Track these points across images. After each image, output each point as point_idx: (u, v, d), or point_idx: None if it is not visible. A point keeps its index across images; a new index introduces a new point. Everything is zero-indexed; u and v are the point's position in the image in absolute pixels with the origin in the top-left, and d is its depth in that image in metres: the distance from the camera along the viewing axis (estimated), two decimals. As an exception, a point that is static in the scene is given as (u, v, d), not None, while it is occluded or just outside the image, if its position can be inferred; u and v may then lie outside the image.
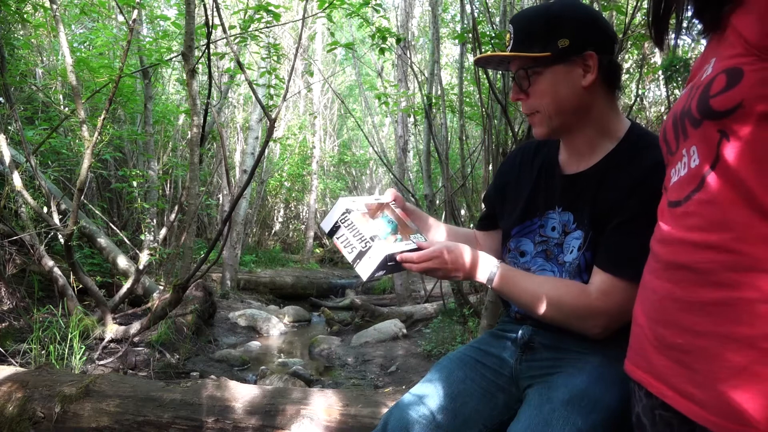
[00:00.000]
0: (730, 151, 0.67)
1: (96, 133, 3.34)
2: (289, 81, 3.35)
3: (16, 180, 3.44)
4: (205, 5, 3.65)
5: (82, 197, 3.58)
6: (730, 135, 0.67)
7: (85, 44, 6.60)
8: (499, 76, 3.93)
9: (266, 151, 7.48)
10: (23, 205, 4.06)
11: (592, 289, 1.04)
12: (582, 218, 1.12)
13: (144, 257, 4.03)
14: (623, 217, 1.03)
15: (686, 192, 0.73)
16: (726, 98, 0.67)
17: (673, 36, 0.86)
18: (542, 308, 1.06)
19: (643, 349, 0.80)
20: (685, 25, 0.84)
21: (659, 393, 0.75)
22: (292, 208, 13.87)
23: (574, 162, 1.17)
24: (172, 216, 4.78)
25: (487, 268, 1.12)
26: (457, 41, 5.45)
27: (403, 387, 3.15)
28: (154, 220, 6.27)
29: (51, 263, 3.80)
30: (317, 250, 13.00)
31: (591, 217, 1.10)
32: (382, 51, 4.22)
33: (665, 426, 0.77)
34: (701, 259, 0.69)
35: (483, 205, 1.46)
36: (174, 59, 5.80)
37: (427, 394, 1.16)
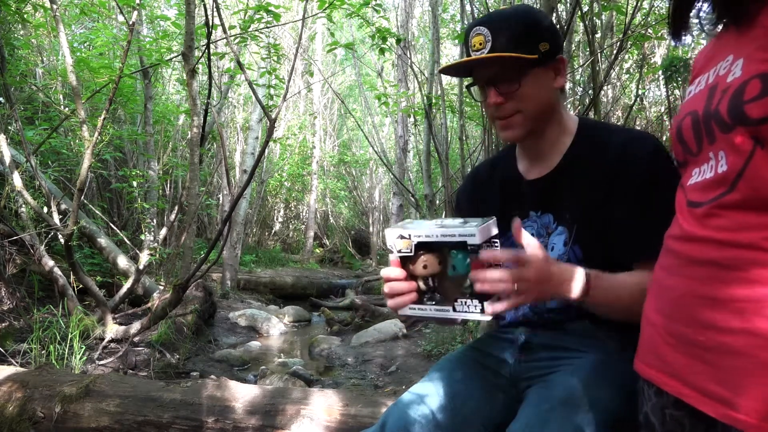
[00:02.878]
0: (764, 159, 0.65)
1: (96, 133, 3.34)
2: (289, 81, 3.35)
3: (16, 180, 3.44)
4: (205, 5, 3.65)
5: (82, 197, 3.58)
6: (765, 142, 0.65)
7: (85, 44, 6.60)
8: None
9: (266, 151, 7.48)
10: (23, 205, 4.06)
11: None
12: (563, 215, 1.13)
13: (144, 257, 4.03)
14: (628, 204, 1.04)
15: (712, 195, 0.71)
16: (762, 105, 0.65)
17: (693, 30, 0.84)
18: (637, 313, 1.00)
19: (657, 347, 0.78)
20: (698, 19, 0.82)
21: (676, 391, 0.74)
22: (292, 208, 13.88)
23: (536, 165, 1.19)
24: (172, 216, 4.78)
25: (579, 277, 0.98)
26: (457, 41, 5.45)
27: (403, 387, 3.15)
28: (154, 220, 6.27)
29: (51, 263, 3.80)
30: (317, 250, 13.00)
31: (574, 211, 1.11)
32: (382, 51, 4.22)
33: (676, 425, 0.75)
34: (729, 255, 0.68)
35: None
36: (174, 59, 5.80)
37: (427, 394, 1.15)
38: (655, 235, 0.97)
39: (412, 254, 0.95)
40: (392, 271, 0.98)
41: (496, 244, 0.93)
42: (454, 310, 0.94)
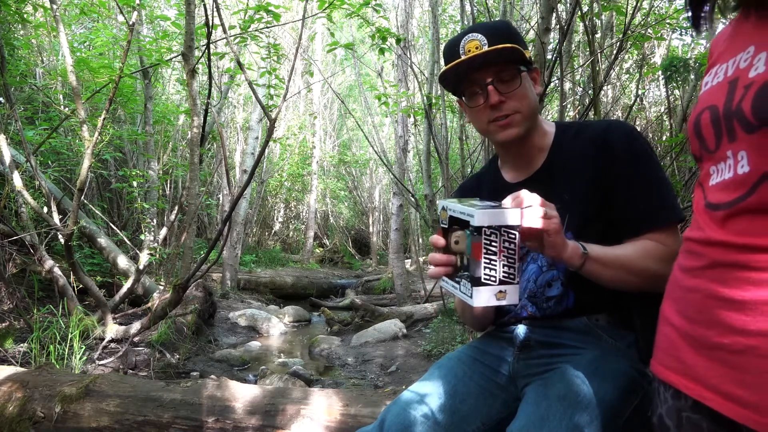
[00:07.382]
0: None
1: (96, 133, 3.34)
2: (289, 81, 3.35)
3: (17, 180, 3.44)
4: (205, 5, 3.65)
5: (83, 197, 3.58)
6: None
7: (85, 44, 6.60)
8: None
9: (266, 151, 7.49)
10: (23, 205, 4.06)
11: (664, 248, 1.05)
12: (556, 204, 1.13)
13: (144, 257, 4.03)
14: (625, 182, 1.10)
15: (731, 197, 0.68)
16: None
17: (711, 18, 0.80)
18: (632, 281, 1.05)
19: (677, 349, 0.75)
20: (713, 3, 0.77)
21: (697, 395, 0.71)
22: (292, 208, 13.88)
23: (522, 170, 1.23)
24: (172, 216, 4.78)
25: (576, 244, 1.03)
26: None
27: (403, 387, 3.15)
28: (154, 220, 6.27)
29: (51, 263, 3.80)
30: (317, 250, 13.00)
31: (564, 200, 1.12)
32: (382, 51, 4.22)
33: (692, 428, 0.73)
34: (757, 258, 0.65)
35: None
36: (174, 59, 5.80)
37: (426, 392, 1.16)
38: (659, 207, 1.08)
39: (447, 226, 0.99)
40: (435, 238, 1.03)
41: (513, 236, 0.91)
42: (460, 290, 0.96)
